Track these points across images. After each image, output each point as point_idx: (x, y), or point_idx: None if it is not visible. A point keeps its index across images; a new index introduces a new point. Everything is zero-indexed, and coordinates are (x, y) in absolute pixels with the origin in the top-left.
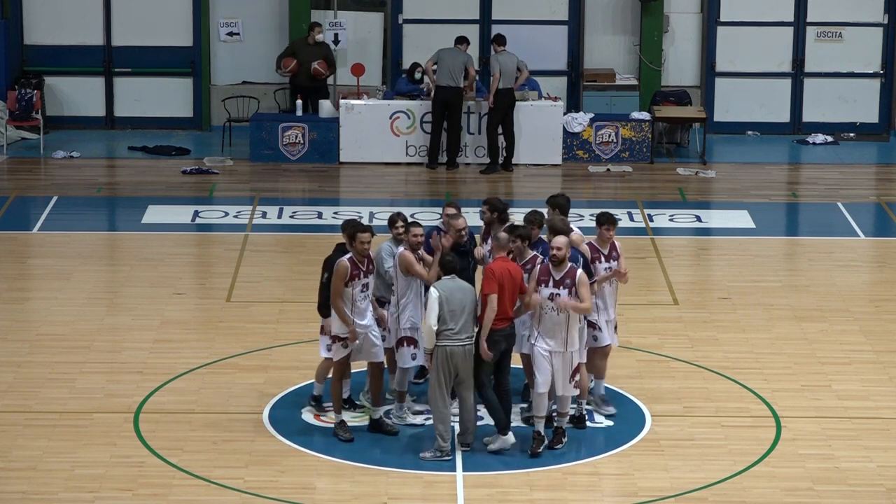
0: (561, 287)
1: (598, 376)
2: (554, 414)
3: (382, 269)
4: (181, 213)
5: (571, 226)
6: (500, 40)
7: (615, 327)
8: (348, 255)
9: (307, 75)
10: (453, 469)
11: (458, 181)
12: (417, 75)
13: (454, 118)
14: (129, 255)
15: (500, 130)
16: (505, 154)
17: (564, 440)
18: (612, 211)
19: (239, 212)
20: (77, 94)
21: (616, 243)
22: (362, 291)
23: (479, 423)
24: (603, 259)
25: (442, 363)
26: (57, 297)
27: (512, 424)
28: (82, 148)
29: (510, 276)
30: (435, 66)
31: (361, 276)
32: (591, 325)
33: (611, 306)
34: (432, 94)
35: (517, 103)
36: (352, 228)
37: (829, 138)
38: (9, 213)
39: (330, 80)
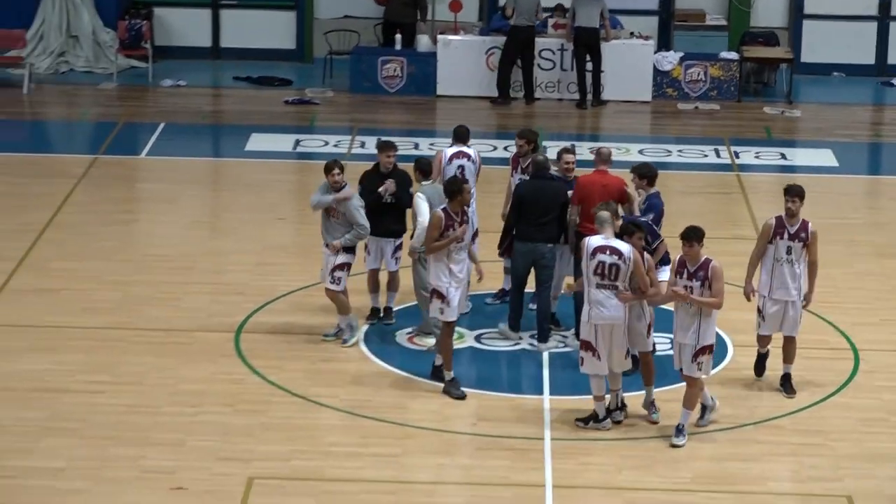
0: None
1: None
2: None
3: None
4: (283, 142)
5: None
6: None
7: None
8: (443, 206)
9: (396, 12)
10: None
11: (549, 115)
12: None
13: (528, 56)
14: (233, 181)
15: (589, 68)
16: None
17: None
18: (701, 148)
19: (339, 141)
20: (184, 25)
21: (713, 265)
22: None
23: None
24: (686, 275)
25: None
26: (163, 219)
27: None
28: (189, 77)
29: (601, 189)
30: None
31: (456, 226)
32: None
33: (681, 329)
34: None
35: (611, 42)
36: (457, 184)
37: None
38: (118, 138)
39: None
